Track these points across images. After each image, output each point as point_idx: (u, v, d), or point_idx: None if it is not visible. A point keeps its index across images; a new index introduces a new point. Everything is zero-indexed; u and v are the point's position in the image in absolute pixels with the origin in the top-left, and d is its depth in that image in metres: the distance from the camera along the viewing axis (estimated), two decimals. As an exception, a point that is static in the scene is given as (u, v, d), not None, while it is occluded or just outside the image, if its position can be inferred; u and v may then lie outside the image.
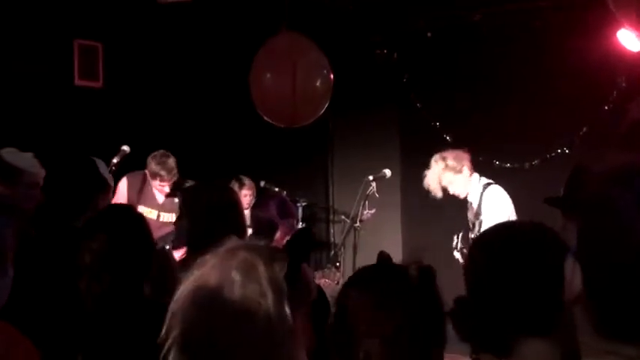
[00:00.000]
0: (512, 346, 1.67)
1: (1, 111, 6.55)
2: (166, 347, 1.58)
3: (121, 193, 6.51)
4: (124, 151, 6.15)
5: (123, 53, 7.58)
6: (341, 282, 4.71)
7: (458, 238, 5.90)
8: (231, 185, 7.34)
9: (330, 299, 4.41)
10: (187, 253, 3.52)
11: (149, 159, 6.58)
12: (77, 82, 7.34)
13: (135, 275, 2.76)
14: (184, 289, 1.63)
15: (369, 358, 1.74)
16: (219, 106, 8.02)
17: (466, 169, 5.91)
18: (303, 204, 7.75)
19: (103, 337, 2.65)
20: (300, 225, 7.09)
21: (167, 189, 6.53)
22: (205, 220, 3.40)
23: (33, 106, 6.86)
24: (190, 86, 7.90)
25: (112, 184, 3.86)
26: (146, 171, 6.62)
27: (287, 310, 1.60)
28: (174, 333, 1.59)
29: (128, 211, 3.16)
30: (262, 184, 7.66)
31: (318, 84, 5.99)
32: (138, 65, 7.61)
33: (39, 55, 6.99)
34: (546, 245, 1.69)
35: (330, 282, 4.62)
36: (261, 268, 1.61)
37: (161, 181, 6.54)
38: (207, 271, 1.62)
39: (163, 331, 1.61)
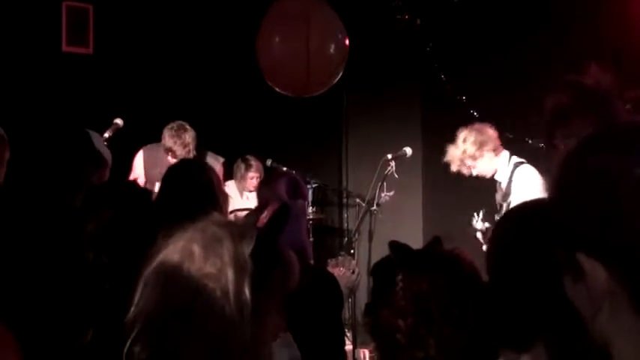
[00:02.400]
0: (532, 340, 1.68)
1: None
2: (130, 324, 1.70)
3: (138, 170, 6.55)
4: (116, 124, 6.17)
5: (115, 16, 7.59)
6: (357, 271, 4.75)
7: (478, 216, 5.94)
8: (237, 165, 7.42)
9: (344, 289, 4.48)
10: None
11: (164, 130, 6.53)
12: (65, 48, 7.39)
13: (141, 250, 2.87)
14: (151, 264, 1.75)
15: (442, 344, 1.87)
16: (222, 74, 8.03)
17: (490, 149, 5.95)
18: (314, 185, 7.82)
19: (112, 310, 2.74)
20: (311, 209, 7.16)
21: None
22: (179, 198, 3.61)
23: (17, 74, 6.88)
24: (189, 53, 7.90)
25: (109, 159, 3.82)
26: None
27: (247, 289, 1.64)
28: (138, 309, 1.71)
29: (132, 186, 3.28)
30: (269, 162, 7.72)
31: (332, 49, 6.01)
32: (131, 29, 7.63)
33: (23, 19, 7.01)
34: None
35: (344, 271, 4.64)
36: (227, 244, 1.68)
37: (173, 157, 6.46)
38: (174, 243, 1.73)
39: (131, 308, 1.73)
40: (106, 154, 3.82)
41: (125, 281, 2.58)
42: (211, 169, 3.95)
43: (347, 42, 6.14)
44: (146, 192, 3.19)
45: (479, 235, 5.95)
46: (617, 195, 1.10)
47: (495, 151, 5.98)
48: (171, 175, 3.91)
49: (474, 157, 5.92)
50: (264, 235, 1.78)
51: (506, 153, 6.04)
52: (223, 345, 1.64)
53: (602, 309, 1.17)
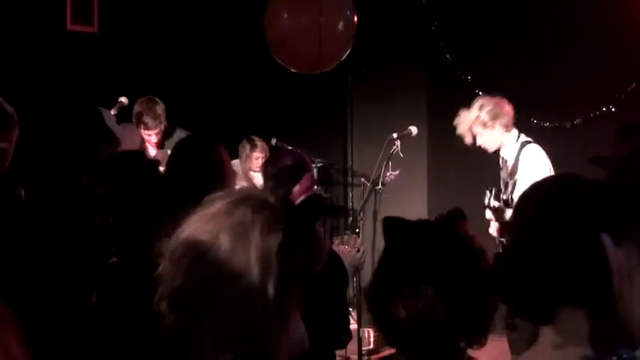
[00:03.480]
0: (554, 312, 1.69)
1: None
2: (156, 300, 1.69)
3: None
4: (121, 102, 6.31)
5: None
6: (362, 249, 4.79)
7: (491, 193, 5.94)
8: (242, 145, 7.47)
9: (348, 267, 4.53)
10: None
11: (135, 104, 6.62)
12: (69, 26, 7.37)
13: (148, 217, 2.94)
14: (176, 237, 1.72)
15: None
16: (227, 54, 8.05)
17: (502, 124, 5.97)
18: (319, 165, 7.85)
19: (118, 275, 2.83)
20: (316, 187, 7.19)
21: (153, 138, 6.64)
22: (190, 176, 3.64)
23: (21, 53, 6.88)
24: (195, 31, 7.91)
25: (121, 137, 3.90)
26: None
27: (271, 287, 1.63)
28: (162, 288, 1.69)
29: (141, 155, 3.35)
30: (274, 142, 7.75)
31: (342, 25, 6.07)
32: (136, 7, 7.63)
33: None
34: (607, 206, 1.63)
35: (349, 249, 4.69)
36: (256, 237, 1.65)
37: (145, 128, 6.61)
38: (200, 226, 1.69)
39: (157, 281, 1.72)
40: (118, 131, 3.88)
41: (132, 246, 2.86)
42: (221, 147, 3.94)
43: (355, 19, 6.17)
44: (153, 162, 3.23)
45: (488, 213, 5.95)
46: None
47: (507, 127, 6.00)
48: (180, 150, 3.92)
49: (484, 125, 5.96)
50: (299, 220, 1.75)
51: (515, 131, 6.06)
52: (244, 326, 1.64)
53: (624, 287, 1.20)
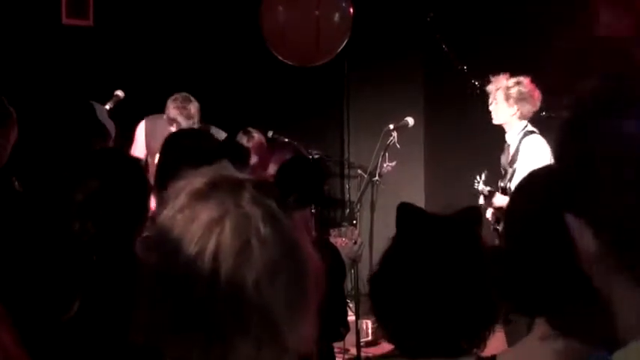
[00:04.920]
0: (548, 306, 1.70)
1: None
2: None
3: (139, 141, 6.57)
4: (117, 96, 6.23)
5: None
6: (359, 241, 4.80)
7: (481, 178, 6.02)
8: (238, 137, 7.47)
9: (346, 259, 4.55)
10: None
11: (168, 102, 6.52)
12: (65, 20, 7.36)
13: (130, 221, 2.87)
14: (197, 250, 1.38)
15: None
16: (222, 46, 8.04)
17: (522, 110, 6.02)
18: (316, 157, 7.73)
19: (99, 283, 2.75)
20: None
21: None
22: (180, 164, 3.50)
23: (16, 47, 6.87)
24: (190, 23, 7.90)
25: (113, 131, 3.93)
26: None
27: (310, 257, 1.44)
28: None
29: (120, 154, 3.30)
30: (270, 134, 7.63)
31: (338, 17, 6.08)
32: (132, 1, 7.62)
33: None
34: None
35: (347, 241, 4.70)
36: (280, 214, 1.41)
37: (178, 128, 6.39)
38: (218, 226, 1.37)
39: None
40: (110, 126, 3.90)
41: (113, 252, 2.78)
42: (215, 138, 3.98)
43: (351, 10, 6.19)
44: (135, 161, 3.15)
45: (481, 199, 6.01)
46: (603, 158, 1.13)
47: (523, 115, 6.05)
48: (174, 141, 3.82)
49: (507, 98, 6.00)
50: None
51: (525, 122, 6.10)
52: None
53: (595, 271, 1.19)
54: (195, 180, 1.45)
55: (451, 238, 1.99)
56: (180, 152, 3.50)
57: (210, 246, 1.35)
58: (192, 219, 1.38)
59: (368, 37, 7.83)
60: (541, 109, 7.23)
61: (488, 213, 5.97)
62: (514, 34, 7.65)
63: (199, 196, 1.41)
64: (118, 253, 2.79)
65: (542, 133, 6.09)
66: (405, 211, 2.05)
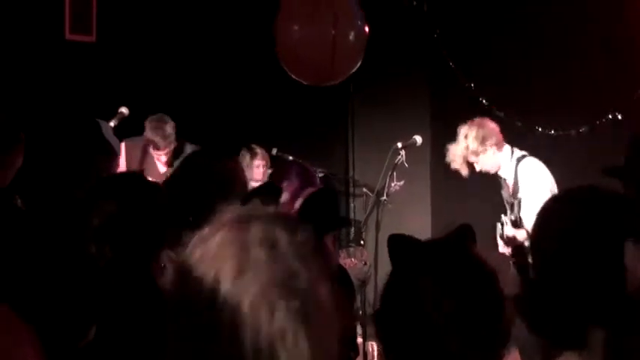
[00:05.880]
0: (583, 336, 1.66)
1: None
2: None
3: (120, 163, 6.45)
4: (121, 113, 6.24)
5: (119, 2, 7.55)
6: (369, 262, 4.78)
7: (504, 223, 5.92)
8: (242, 154, 7.45)
9: (355, 281, 4.52)
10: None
11: (145, 123, 6.65)
12: (68, 36, 7.34)
13: (147, 245, 2.88)
14: (194, 273, 1.43)
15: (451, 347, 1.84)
16: (226, 63, 8.02)
17: (493, 143, 5.95)
18: (320, 174, 7.74)
19: (116, 308, 2.75)
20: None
21: (163, 158, 6.66)
22: (205, 191, 3.47)
23: (18, 63, 6.86)
24: (195, 41, 7.89)
25: (118, 149, 3.98)
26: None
27: (326, 289, 1.43)
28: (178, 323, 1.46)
29: (139, 178, 3.25)
30: (274, 151, 7.65)
31: (352, 36, 6.07)
32: (136, 16, 7.58)
33: (25, 5, 6.97)
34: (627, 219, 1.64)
35: (356, 262, 4.68)
36: (283, 241, 1.42)
37: (155, 149, 6.63)
38: (223, 250, 1.42)
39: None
40: (116, 144, 3.88)
41: (130, 277, 2.80)
42: (236, 160, 3.98)
43: (367, 29, 6.21)
44: (154, 185, 3.18)
45: (500, 241, 5.94)
46: None
47: (498, 145, 5.98)
48: (187, 165, 3.81)
49: (476, 153, 5.94)
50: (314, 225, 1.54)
51: (508, 147, 6.04)
52: None
53: None
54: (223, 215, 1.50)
55: (446, 262, 1.94)
56: (214, 186, 3.47)
57: (211, 271, 1.38)
58: (204, 248, 1.44)
59: (373, 53, 7.76)
60: (547, 127, 7.25)
61: (505, 249, 5.91)
62: (522, 51, 7.60)
63: (217, 226, 1.46)
64: (135, 278, 2.80)
65: (542, 151, 6.08)
66: (396, 243, 2.01)
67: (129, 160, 6.66)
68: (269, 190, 3.92)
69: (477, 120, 6.06)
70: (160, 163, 6.74)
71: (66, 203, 3.29)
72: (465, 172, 6.04)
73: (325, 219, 2.34)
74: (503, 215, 5.98)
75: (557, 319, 1.68)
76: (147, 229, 2.87)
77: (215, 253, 1.41)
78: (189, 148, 6.58)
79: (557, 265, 1.68)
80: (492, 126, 6.03)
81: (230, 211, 1.49)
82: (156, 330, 1.55)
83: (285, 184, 4.37)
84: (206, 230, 1.47)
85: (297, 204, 3.98)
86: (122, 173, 3.76)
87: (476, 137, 5.92)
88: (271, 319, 1.34)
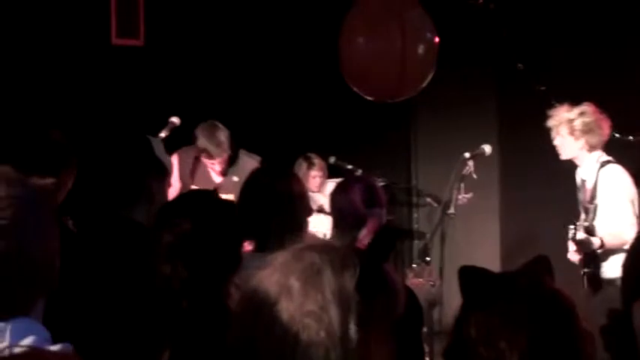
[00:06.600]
0: None
1: (27, 76, 6.59)
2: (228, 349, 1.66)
3: (173, 174, 6.42)
4: (172, 123, 6.13)
5: (167, 4, 7.54)
6: (437, 283, 4.57)
7: (575, 229, 5.65)
8: (298, 163, 7.33)
9: (423, 302, 4.28)
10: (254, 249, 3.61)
11: (197, 131, 6.54)
12: (115, 40, 7.37)
13: (221, 266, 2.84)
14: (244, 291, 1.69)
15: None
16: (280, 67, 7.95)
17: (590, 143, 5.79)
18: (381, 184, 7.55)
19: (190, 331, 2.72)
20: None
21: (217, 167, 6.55)
22: (269, 214, 3.51)
23: (63, 70, 6.87)
24: (247, 43, 7.81)
25: (170, 168, 3.82)
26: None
27: (353, 329, 1.57)
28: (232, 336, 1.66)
29: (214, 196, 3.23)
30: (332, 160, 7.63)
31: (422, 49, 5.99)
32: (185, 18, 7.58)
33: (70, 10, 6.98)
34: None
35: (423, 282, 4.47)
36: (328, 275, 1.60)
37: (208, 157, 6.53)
38: (268, 275, 1.64)
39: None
40: (168, 162, 3.79)
41: (204, 299, 2.76)
42: (298, 179, 3.88)
43: (437, 40, 6.10)
44: (229, 204, 3.19)
45: (571, 246, 5.72)
46: None
47: (592, 147, 5.82)
48: (255, 187, 3.76)
49: (571, 132, 5.79)
50: (369, 261, 1.71)
51: (598, 152, 5.87)
52: None
53: None
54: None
55: (519, 297, 1.91)
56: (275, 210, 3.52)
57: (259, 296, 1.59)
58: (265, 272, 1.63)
59: (438, 56, 7.63)
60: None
61: (575, 257, 5.74)
62: (598, 49, 7.44)
63: (286, 256, 1.66)
64: (209, 300, 2.76)
65: (622, 159, 5.91)
66: (468, 276, 1.99)
67: (182, 171, 6.58)
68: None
69: (602, 115, 5.91)
70: (214, 173, 6.63)
71: (120, 225, 3.31)
72: (554, 134, 5.87)
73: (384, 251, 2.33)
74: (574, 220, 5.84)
75: None
76: (222, 248, 2.84)
77: (268, 279, 1.62)
78: (244, 157, 6.58)
79: None
80: (606, 131, 5.89)
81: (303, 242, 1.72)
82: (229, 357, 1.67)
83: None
84: (276, 257, 1.67)
85: (365, 239, 3.95)
86: (196, 190, 3.82)
87: (586, 123, 5.78)
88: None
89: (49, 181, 1.89)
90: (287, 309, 1.58)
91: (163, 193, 3.66)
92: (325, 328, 1.56)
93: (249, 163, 6.32)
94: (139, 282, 2.88)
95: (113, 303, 2.92)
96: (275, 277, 1.62)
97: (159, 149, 3.72)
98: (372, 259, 1.72)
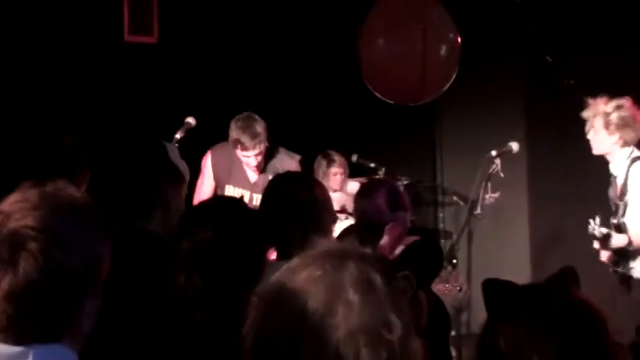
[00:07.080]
0: None
1: (40, 74, 6.59)
2: None
3: (207, 172, 6.47)
4: (188, 123, 6.05)
5: (182, 0, 7.52)
6: (465, 287, 4.45)
7: (595, 223, 5.62)
8: (317, 161, 7.28)
9: (450, 309, 4.16)
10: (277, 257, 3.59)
11: (231, 122, 6.34)
12: (127, 37, 7.34)
13: (241, 277, 2.78)
14: (286, 307, 1.49)
15: None
16: (299, 63, 7.90)
17: (624, 138, 5.72)
18: (405, 182, 7.61)
19: (204, 345, 2.69)
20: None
21: (252, 161, 6.31)
22: (291, 221, 3.49)
23: (75, 67, 6.86)
24: (264, 40, 7.77)
25: (187, 174, 3.71)
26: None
27: (416, 345, 1.48)
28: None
29: (238, 204, 3.21)
30: (354, 158, 7.62)
31: (444, 50, 5.99)
32: (199, 15, 7.54)
33: (81, 6, 6.96)
34: None
35: (450, 287, 4.34)
36: (380, 286, 1.48)
37: (243, 149, 6.25)
38: (312, 286, 1.48)
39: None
40: (184, 168, 3.72)
41: (220, 311, 2.72)
42: (322, 186, 3.79)
43: (459, 40, 6.06)
44: (252, 212, 3.18)
45: (595, 244, 5.70)
46: None
47: (626, 143, 5.76)
48: (271, 189, 3.74)
49: (606, 126, 5.74)
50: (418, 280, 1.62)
51: (630, 148, 5.81)
52: None
53: None
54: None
55: (546, 310, 1.92)
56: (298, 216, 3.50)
57: (298, 307, 1.45)
58: (291, 281, 1.50)
59: (462, 51, 7.53)
60: None
61: (604, 256, 5.73)
62: (626, 43, 7.40)
63: (307, 260, 1.53)
64: (225, 313, 2.70)
65: None
66: (492, 288, 2.01)
67: (216, 170, 6.46)
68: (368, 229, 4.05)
69: (636, 109, 5.81)
70: (249, 171, 6.43)
71: (134, 235, 3.25)
72: (588, 127, 5.84)
73: (425, 272, 2.24)
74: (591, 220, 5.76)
75: None
76: (242, 260, 2.80)
77: (303, 288, 1.47)
78: (283, 155, 6.45)
79: None
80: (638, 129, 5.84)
81: (323, 246, 1.57)
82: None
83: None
84: (294, 262, 1.55)
85: (397, 250, 3.91)
86: (219, 197, 3.91)
87: (622, 118, 5.71)
88: None
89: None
90: (343, 325, 1.43)
91: (180, 199, 3.60)
92: (388, 348, 1.43)
93: (287, 161, 6.27)
94: (151, 293, 2.84)
95: (124, 314, 2.84)
96: (325, 289, 1.47)
97: (174, 154, 3.68)
98: (421, 279, 1.63)
